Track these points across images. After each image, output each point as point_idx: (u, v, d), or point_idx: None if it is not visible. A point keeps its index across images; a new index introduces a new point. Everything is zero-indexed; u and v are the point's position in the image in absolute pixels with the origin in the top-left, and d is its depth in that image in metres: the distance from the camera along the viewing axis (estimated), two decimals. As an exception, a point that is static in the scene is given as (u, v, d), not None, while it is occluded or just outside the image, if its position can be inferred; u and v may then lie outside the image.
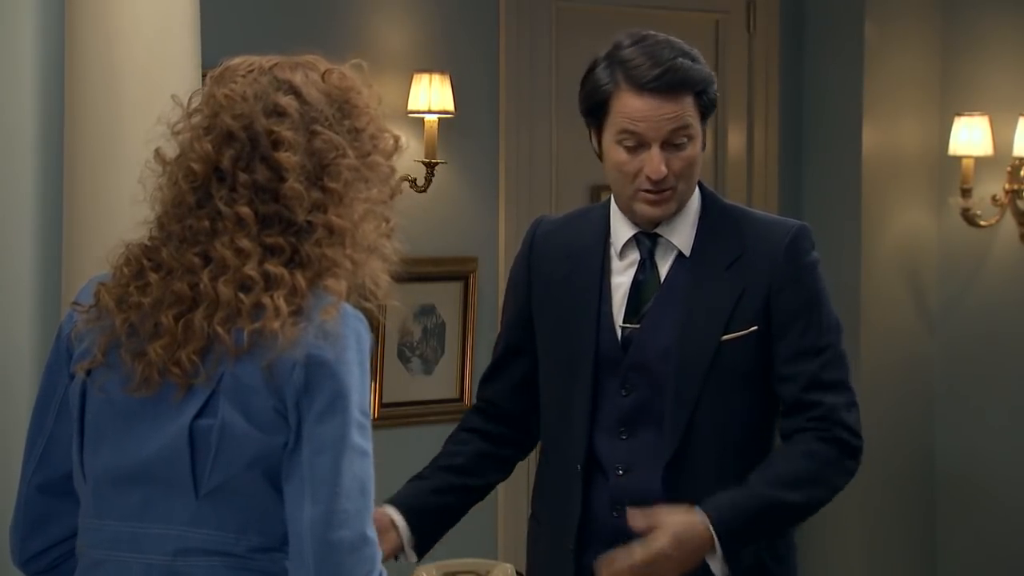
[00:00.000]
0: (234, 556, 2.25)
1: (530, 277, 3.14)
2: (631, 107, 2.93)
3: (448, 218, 5.32)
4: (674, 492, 2.97)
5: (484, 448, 3.16)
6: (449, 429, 5.54)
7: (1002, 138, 5.68)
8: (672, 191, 2.97)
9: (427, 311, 5.30)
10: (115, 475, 2.29)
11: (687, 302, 2.99)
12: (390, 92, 5.07)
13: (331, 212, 2.27)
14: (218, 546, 2.25)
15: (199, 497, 2.25)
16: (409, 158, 5.08)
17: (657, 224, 3.02)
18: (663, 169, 2.93)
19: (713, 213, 3.05)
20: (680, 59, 2.93)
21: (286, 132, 2.26)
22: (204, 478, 2.24)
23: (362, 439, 2.24)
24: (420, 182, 5.12)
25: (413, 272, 5.12)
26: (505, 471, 3.20)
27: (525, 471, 5.14)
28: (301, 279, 2.24)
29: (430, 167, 5.10)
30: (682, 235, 3.03)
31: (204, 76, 2.40)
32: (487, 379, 3.22)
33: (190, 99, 2.33)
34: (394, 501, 3.07)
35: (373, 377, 5.12)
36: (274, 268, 2.24)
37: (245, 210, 2.25)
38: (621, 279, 3.05)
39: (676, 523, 2.85)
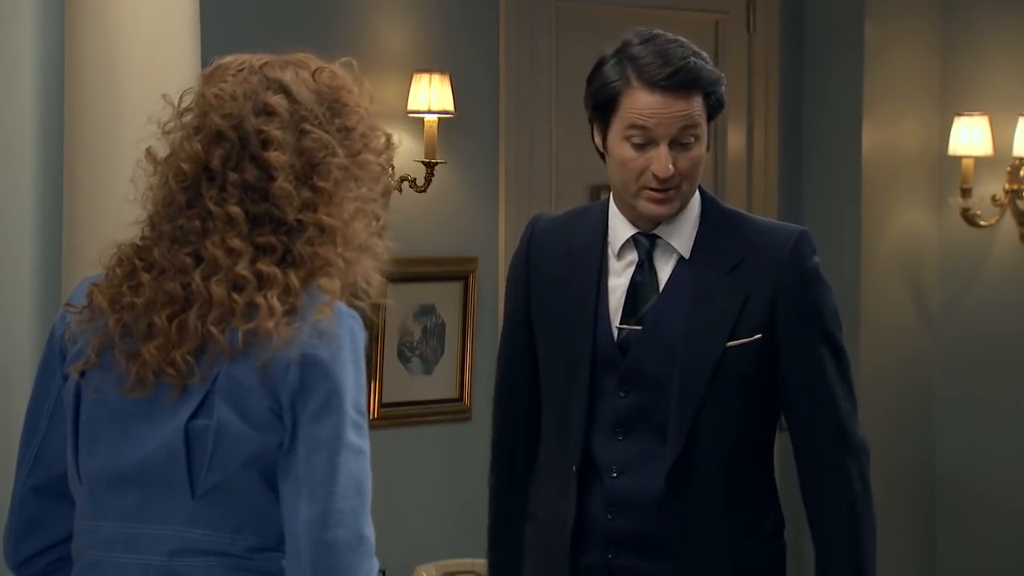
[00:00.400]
0: (230, 556, 2.25)
1: (528, 276, 3.13)
2: (642, 103, 2.93)
3: (448, 218, 5.32)
4: (676, 496, 2.97)
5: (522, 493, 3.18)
6: (449, 429, 5.56)
7: (1002, 138, 5.68)
8: (676, 190, 2.97)
9: (427, 311, 5.30)
10: (111, 476, 2.29)
11: (690, 306, 2.99)
12: (390, 92, 5.07)
13: (321, 211, 2.26)
14: (214, 546, 2.25)
15: (195, 497, 2.24)
16: (409, 158, 5.08)
17: (656, 225, 3.02)
18: (671, 167, 2.93)
19: (713, 217, 3.05)
20: (692, 58, 2.94)
21: (275, 131, 2.26)
22: (200, 478, 2.24)
23: (358, 438, 2.23)
24: (420, 182, 5.12)
25: (413, 272, 5.18)
26: None
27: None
28: (294, 278, 2.24)
29: (430, 167, 5.10)
30: (681, 237, 3.03)
31: (203, 76, 2.40)
32: (506, 399, 3.19)
33: (180, 98, 2.33)
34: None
35: (373, 377, 5.11)
36: (266, 267, 2.24)
37: (235, 209, 2.25)
38: (618, 280, 3.05)
39: None
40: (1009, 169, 5.74)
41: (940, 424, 6.06)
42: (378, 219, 2.34)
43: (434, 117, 5.08)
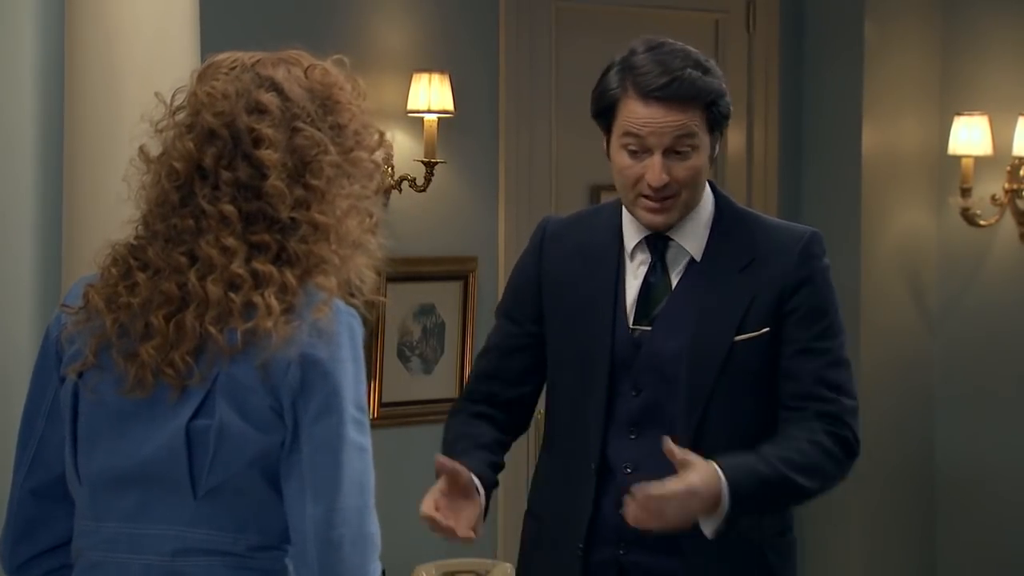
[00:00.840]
0: (233, 555, 2.25)
1: (540, 277, 3.13)
2: (635, 113, 2.94)
3: (448, 218, 5.32)
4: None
5: (496, 434, 3.13)
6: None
7: (1002, 138, 5.68)
8: (674, 199, 2.97)
9: (427, 311, 5.30)
10: (111, 477, 2.29)
11: (700, 305, 3.00)
12: (390, 92, 5.07)
13: (314, 209, 2.26)
14: (217, 545, 2.25)
15: (197, 497, 2.25)
16: (408, 158, 5.08)
17: (668, 228, 3.03)
18: (664, 177, 2.94)
19: (727, 218, 3.06)
20: (690, 70, 2.93)
21: (267, 129, 2.26)
22: (202, 478, 2.24)
23: (360, 435, 2.24)
24: (419, 182, 5.12)
25: (413, 272, 5.19)
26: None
27: (524, 469, 5.14)
28: (291, 276, 2.24)
29: (429, 167, 5.10)
30: (694, 239, 3.04)
31: (202, 76, 2.40)
32: (487, 375, 3.19)
33: (173, 96, 2.33)
34: (472, 470, 2.98)
35: (372, 377, 5.11)
36: (262, 266, 2.24)
37: (228, 208, 2.25)
38: (632, 281, 3.06)
39: (701, 474, 2.82)
40: (1009, 169, 5.74)
41: (940, 423, 6.06)
42: (371, 216, 2.34)
43: (434, 117, 5.08)
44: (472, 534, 2.88)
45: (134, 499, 2.27)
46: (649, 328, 3.02)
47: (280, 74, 2.30)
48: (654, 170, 2.94)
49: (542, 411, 3.19)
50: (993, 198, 5.78)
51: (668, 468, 2.96)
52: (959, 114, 5.72)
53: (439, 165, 5.13)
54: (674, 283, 3.03)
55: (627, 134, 2.95)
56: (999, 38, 5.89)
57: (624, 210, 3.08)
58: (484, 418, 3.14)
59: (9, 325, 4.36)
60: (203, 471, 2.24)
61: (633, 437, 3.02)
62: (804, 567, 4.95)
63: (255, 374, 2.21)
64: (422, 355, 5.31)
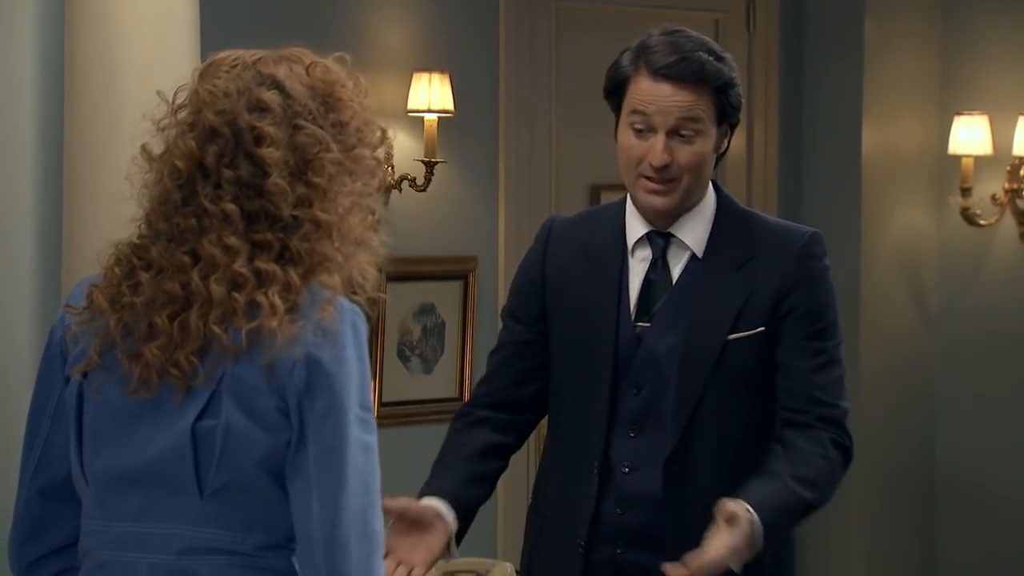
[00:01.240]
0: (240, 554, 2.25)
1: (544, 276, 3.13)
2: (643, 89, 2.95)
3: (448, 217, 5.32)
4: (673, 488, 2.98)
5: (493, 438, 3.13)
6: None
7: (1002, 137, 5.68)
8: (675, 183, 2.97)
9: (427, 310, 5.30)
10: (117, 477, 2.28)
11: (697, 301, 3.00)
12: (390, 91, 5.07)
13: (316, 207, 2.26)
14: (224, 544, 2.25)
15: (204, 497, 2.24)
16: (409, 157, 5.08)
17: (669, 223, 3.02)
18: (666, 157, 2.94)
19: (728, 216, 3.05)
20: (701, 52, 2.95)
21: (268, 127, 2.25)
22: (208, 478, 2.24)
23: (365, 434, 2.24)
24: (420, 181, 5.12)
25: (413, 271, 5.19)
26: (507, 460, 3.18)
27: (525, 470, 5.14)
28: (294, 275, 2.24)
29: (429, 166, 5.10)
30: (695, 235, 3.03)
31: (202, 75, 2.39)
32: (493, 374, 3.18)
33: (175, 95, 2.33)
34: (437, 494, 2.98)
35: (373, 376, 5.11)
36: (265, 265, 2.23)
37: (231, 207, 2.24)
38: (634, 278, 3.06)
39: (743, 530, 2.80)
40: (1009, 168, 5.74)
41: (940, 423, 6.06)
42: (373, 213, 2.33)
43: (434, 116, 5.08)
44: (423, 572, 2.87)
45: (141, 499, 2.27)
46: (649, 325, 3.02)
47: (281, 72, 2.30)
48: (656, 149, 2.94)
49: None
50: (993, 198, 5.78)
51: (663, 469, 2.96)
52: (959, 114, 5.72)
53: (439, 165, 5.13)
54: (674, 280, 3.03)
55: (634, 112, 2.96)
56: (999, 38, 5.89)
57: (627, 208, 3.08)
58: (482, 423, 3.13)
59: (9, 325, 4.36)
60: (209, 471, 2.23)
61: (633, 436, 3.02)
62: (804, 567, 4.95)
63: (261, 374, 2.21)
64: (422, 355, 5.31)
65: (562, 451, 3.12)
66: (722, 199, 3.07)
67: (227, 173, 2.25)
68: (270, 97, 2.27)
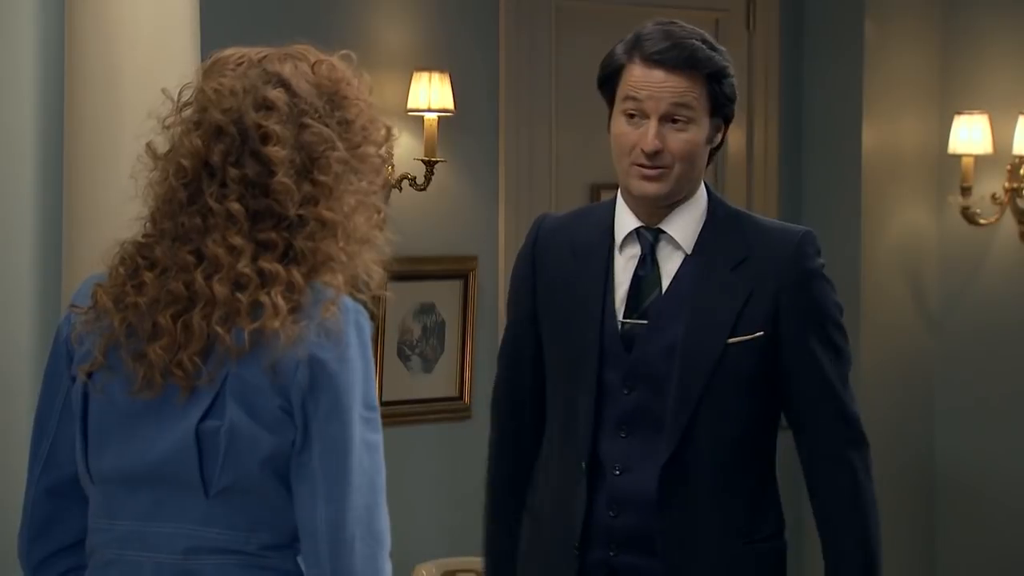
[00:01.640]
0: (245, 554, 2.25)
1: (534, 274, 3.14)
2: (636, 76, 2.97)
3: (448, 217, 5.32)
4: (670, 492, 2.97)
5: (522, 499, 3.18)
6: (449, 428, 5.55)
7: (1002, 136, 5.68)
8: (667, 170, 2.98)
9: (427, 309, 5.30)
10: (122, 476, 2.29)
11: (693, 302, 3.00)
12: (390, 90, 5.07)
13: (322, 205, 2.25)
14: (229, 544, 2.25)
15: (209, 497, 2.24)
16: (409, 156, 5.08)
17: (659, 218, 3.02)
18: (657, 142, 2.95)
19: (719, 216, 3.06)
20: (693, 40, 2.97)
21: (275, 126, 2.25)
22: (213, 479, 2.24)
23: (370, 432, 2.24)
24: (420, 181, 5.12)
25: (413, 270, 5.18)
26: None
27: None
28: (297, 275, 2.24)
29: (430, 166, 5.10)
30: (684, 231, 3.03)
31: (202, 74, 2.39)
32: (508, 397, 3.19)
33: (180, 92, 2.32)
34: None
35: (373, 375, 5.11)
36: (268, 265, 2.23)
37: (235, 206, 2.24)
38: (621, 275, 3.05)
39: None
40: (1009, 167, 5.74)
41: (940, 423, 6.06)
42: (379, 212, 2.33)
43: (434, 115, 5.08)
44: None
45: (146, 498, 2.27)
46: (641, 322, 3.02)
47: (287, 70, 2.29)
48: (647, 134, 2.95)
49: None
50: (993, 197, 5.78)
51: (656, 470, 2.96)
52: (959, 113, 5.72)
53: (439, 164, 5.12)
54: (666, 277, 3.03)
55: (627, 98, 2.98)
56: (999, 37, 5.89)
57: (619, 202, 3.08)
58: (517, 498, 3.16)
59: (9, 325, 4.36)
60: (214, 472, 2.24)
61: (623, 436, 3.01)
62: (804, 568, 4.94)
63: (264, 375, 2.21)
64: (422, 354, 5.31)
65: (555, 452, 3.12)
66: (713, 198, 3.08)
67: (233, 172, 2.25)
68: (276, 95, 2.27)
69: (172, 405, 2.25)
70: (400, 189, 5.09)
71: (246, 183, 2.25)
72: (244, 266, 2.22)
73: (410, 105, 5.08)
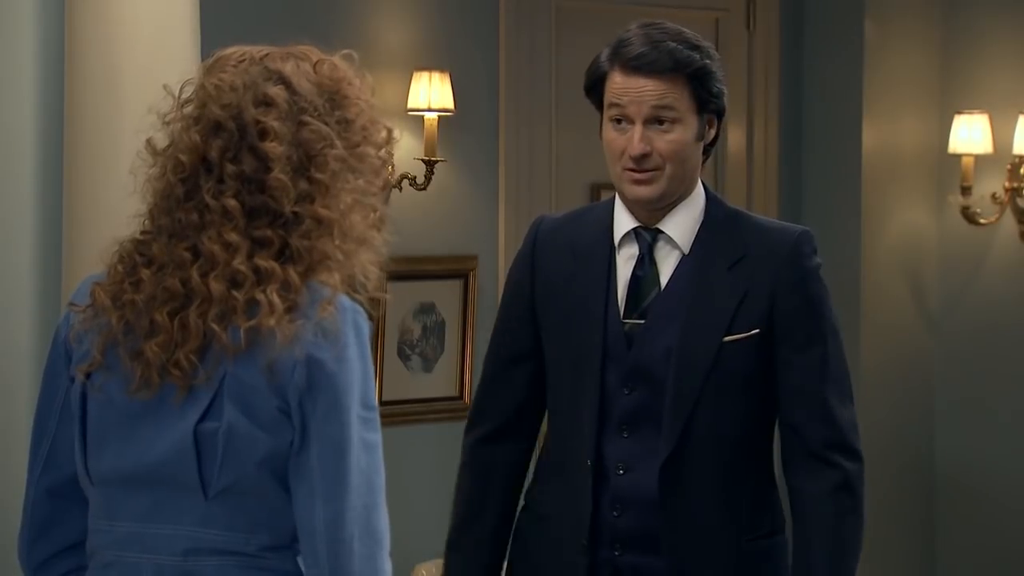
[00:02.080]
0: (244, 555, 2.25)
1: (533, 276, 3.13)
2: (617, 83, 2.98)
3: (448, 216, 5.32)
4: (670, 491, 2.98)
5: (504, 482, 3.17)
6: (449, 427, 5.55)
7: (1002, 136, 5.68)
8: (658, 172, 2.98)
9: (427, 309, 5.30)
10: (121, 477, 2.29)
11: (689, 303, 3.00)
12: (390, 90, 5.07)
13: (318, 203, 2.25)
14: (228, 546, 2.25)
15: (208, 498, 2.24)
16: (409, 156, 5.08)
17: (657, 218, 3.03)
18: (643, 146, 2.96)
19: (716, 216, 3.06)
20: (673, 43, 2.96)
21: (273, 122, 2.25)
22: (212, 480, 2.24)
23: (368, 432, 2.24)
24: (420, 180, 5.12)
25: (413, 270, 5.18)
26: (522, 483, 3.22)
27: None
28: (294, 274, 2.23)
29: (430, 165, 5.10)
30: (682, 231, 3.04)
31: (203, 73, 2.39)
32: (487, 395, 3.19)
33: (181, 89, 2.32)
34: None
35: (373, 375, 5.11)
36: (264, 262, 2.23)
37: (232, 202, 2.24)
38: (621, 275, 3.06)
39: None
40: (1009, 167, 5.74)
41: (940, 423, 6.06)
42: (376, 212, 2.33)
43: (434, 115, 5.08)
44: None
45: (146, 499, 2.27)
46: (640, 321, 3.02)
47: (289, 68, 2.29)
48: (633, 139, 2.96)
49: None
50: (993, 196, 5.78)
51: (658, 470, 2.96)
52: (959, 112, 5.72)
53: (439, 164, 5.12)
54: (664, 277, 3.03)
55: (612, 105, 2.99)
56: (999, 36, 5.89)
57: (616, 205, 3.08)
58: (491, 465, 3.16)
59: (9, 325, 4.36)
60: (213, 473, 2.23)
61: (625, 436, 3.02)
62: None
63: (261, 375, 2.21)
64: (422, 354, 5.31)
65: (558, 452, 3.12)
66: (710, 199, 3.08)
67: (230, 168, 2.25)
68: (276, 92, 2.27)
69: (170, 406, 2.25)
70: (400, 189, 5.09)
71: (243, 179, 2.25)
72: (240, 263, 2.22)
73: (410, 105, 5.08)
